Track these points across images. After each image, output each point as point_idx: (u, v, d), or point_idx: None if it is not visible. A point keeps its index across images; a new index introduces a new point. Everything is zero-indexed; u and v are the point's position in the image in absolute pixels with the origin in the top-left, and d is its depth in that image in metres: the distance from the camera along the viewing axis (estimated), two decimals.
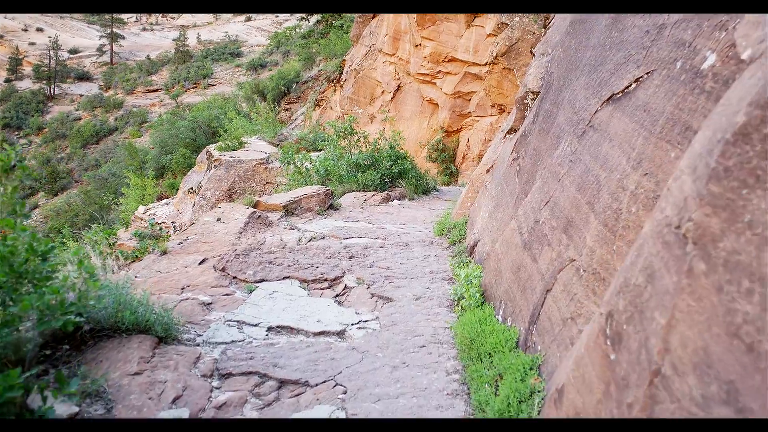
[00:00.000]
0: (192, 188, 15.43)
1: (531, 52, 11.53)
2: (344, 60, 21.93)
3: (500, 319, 3.93)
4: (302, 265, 5.68)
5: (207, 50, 62.32)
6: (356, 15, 20.72)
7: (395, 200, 10.11)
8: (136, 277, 5.62)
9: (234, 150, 15.18)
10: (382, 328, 4.36)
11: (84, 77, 63.38)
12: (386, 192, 10.20)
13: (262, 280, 5.36)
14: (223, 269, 5.54)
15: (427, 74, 15.93)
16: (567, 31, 4.79)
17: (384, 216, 8.66)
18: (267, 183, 13.93)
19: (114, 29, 66.00)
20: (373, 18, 19.05)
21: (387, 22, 17.37)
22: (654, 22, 3.13)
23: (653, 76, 2.94)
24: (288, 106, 32.10)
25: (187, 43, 62.45)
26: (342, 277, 5.47)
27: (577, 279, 3.02)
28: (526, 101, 5.64)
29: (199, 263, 5.84)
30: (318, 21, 39.69)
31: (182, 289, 5.18)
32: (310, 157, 11.49)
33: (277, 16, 68.34)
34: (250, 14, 70.62)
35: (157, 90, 57.16)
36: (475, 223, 5.97)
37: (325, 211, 8.60)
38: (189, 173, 17.16)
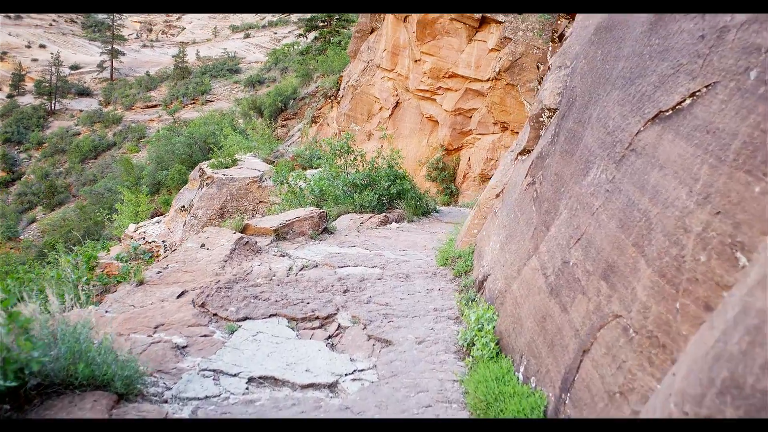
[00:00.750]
0: (184, 206, 14.80)
1: (537, 66, 11.01)
2: (341, 76, 21.44)
3: (521, 377, 3.28)
4: (291, 300, 5.03)
5: (206, 66, 62.14)
6: (354, 30, 20.25)
7: (393, 223, 9.48)
8: (106, 311, 4.97)
9: (227, 167, 14.57)
10: (381, 380, 3.71)
11: (84, 93, 63.17)
12: (384, 214, 9.58)
13: (245, 318, 4.70)
14: (202, 305, 4.89)
15: (427, 90, 15.39)
16: (590, 40, 4.20)
17: (382, 241, 8.03)
18: (260, 202, 13.31)
19: (114, 46, 65.84)
20: (371, 33, 18.58)
21: (386, 36, 16.85)
22: (710, 25, 2.52)
23: (716, 89, 2.32)
24: (285, 123, 31.59)
25: (186, 60, 62.25)
26: (335, 314, 4.82)
27: (625, 341, 2.38)
28: (541, 119, 5.03)
29: (178, 296, 5.19)
30: (316, 38, 39.40)
31: (155, 328, 4.53)
32: (305, 176, 10.88)
33: (275, 33, 68.24)
34: (249, 31, 70.52)
35: (155, 106, 56.89)
36: (483, 253, 5.34)
37: (318, 235, 7.97)
38: (181, 190, 16.54)
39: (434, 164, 15.06)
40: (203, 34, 74.99)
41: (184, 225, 13.75)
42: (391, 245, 7.72)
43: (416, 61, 15.43)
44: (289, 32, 62.75)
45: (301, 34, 42.99)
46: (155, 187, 30.01)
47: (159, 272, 5.90)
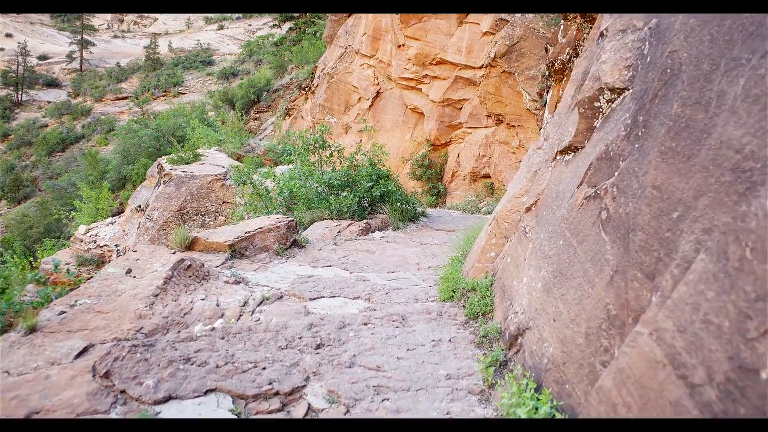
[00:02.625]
0: (140, 206, 12.93)
1: (546, 48, 9.46)
2: (317, 66, 19.61)
3: None
4: (240, 363, 3.37)
5: (178, 58, 59.61)
6: (331, 14, 18.42)
7: (376, 231, 7.85)
8: None
9: (188, 163, 12.73)
10: None
11: (52, 84, 60.00)
12: (365, 221, 7.94)
13: (168, 398, 3.05)
14: (107, 374, 3.21)
15: (412, 79, 13.69)
16: None
17: (364, 257, 6.39)
18: (224, 203, 11.53)
19: (84, 36, 62.61)
20: (349, 16, 16.77)
21: (366, 19, 15.05)
22: None
23: None
24: (257, 115, 29.64)
25: (158, 51, 59.61)
26: (303, 388, 3.18)
27: None
28: (597, 104, 3.44)
29: (76, 356, 3.49)
30: (290, 29, 37.46)
31: (23, 419, 2.88)
32: (274, 174, 9.14)
33: (250, 25, 65.68)
34: (223, 23, 67.77)
35: (126, 98, 54.24)
36: (511, 291, 3.75)
37: (286, 250, 6.29)
38: (139, 188, 14.63)
39: (419, 161, 13.37)
40: (176, 25, 71.89)
41: (138, 228, 11.90)
42: (376, 263, 6.09)
43: (400, 46, 13.70)
44: (264, 24, 60.20)
45: (276, 25, 40.99)
46: (120, 182, 27.96)
47: (62, 312, 4.15)
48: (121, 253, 12.55)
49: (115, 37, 69.68)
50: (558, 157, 3.89)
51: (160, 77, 54.73)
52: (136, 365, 3.28)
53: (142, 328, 3.84)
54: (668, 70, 2.71)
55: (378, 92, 14.91)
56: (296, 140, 8.81)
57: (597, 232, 2.93)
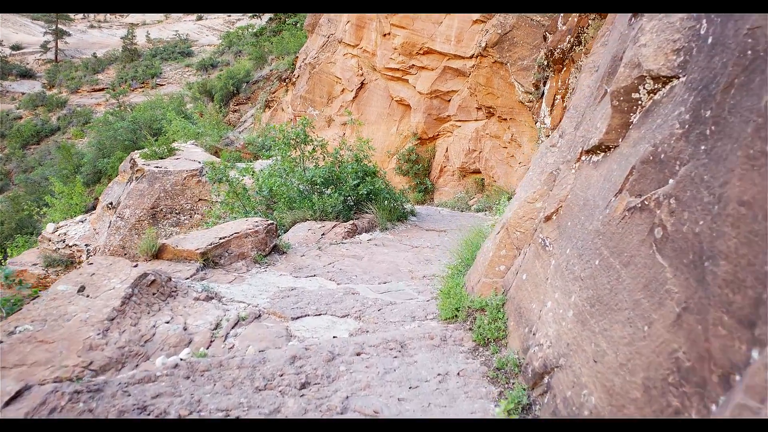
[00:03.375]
0: (111, 203, 12.11)
1: (544, 37, 8.87)
2: (297, 57, 18.80)
3: None
4: (208, 412, 2.72)
5: (156, 49, 58.00)
6: None
7: (363, 233, 7.22)
8: None
9: (162, 158, 11.94)
10: None
11: (26, 75, 57.91)
12: (351, 222, 7.30)
13: None
14: None
15: (398, 69, 13.00)
16: None
17: (352, 263, 5.76)
18: (200, 200, 10.80)
19: (60, 26, 60.54)
20: None
21: None
22: None
23: None
24: (237, 108, 28.67)
25: (136, 42, 57.89)
26: None
27: None
28: (635, 95, 2.84)
29: (8, 402, 2.82)
30: (271, 19, 36.47)
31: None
32: (253, 170, 8.44)
33: (230, 16, 64.14)
34: (202, 13, 66.03)
35: (103, 89, 52.59)
36: (530, 315, 3.16)
37: (266, 257, 5.64)
38: (111, 184, 13.79)
39: (405, 155, 12.72)
40: (154, 16, 69.93)
41: (109, 227, 11.11)
42: (365, 272, 5.47)
43: (385, 35, 12.99)
44: (244, 14, 58.82)
45: (255, 15, 39.90)
46: (96, 176, 26.89)
47: None
48: (92, 253, 11.77)
49: (92, 27, 67.56)
50: (584, 158, 3.30)
51: (138, 68, 53.18)
52: (77, 418, 2.63)
53: (91, 363, 3.18)
54: (748, 53, 2.11)
55: (362, 83, 14.19)
56: (276, 134, 8.12)
57: (649, 254, 2.34)
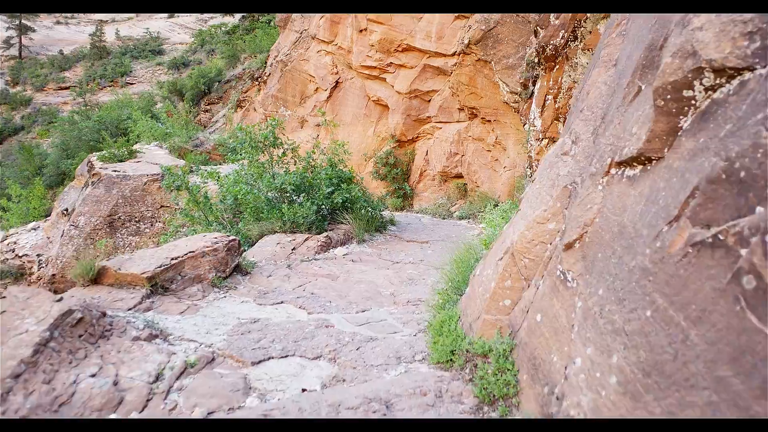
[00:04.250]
0: (66, 209, 11.14)
1: (535, 32, 8.25)
2: (270, 55, 17.93)
3: None
4: None
5: (126, 47, 56.23)
6: None
7: (338, 246, 6.49)
8: None
9: (122, 161, 11.01)
10: None
11: None
12: (325, 234, 6.56)
13: None
14: None
15: (375, 67, 12.25)
16: None
17: (325, 286, 5.03)
18: (162, 206, 9.93)
19: (24, 21, 58.26)
20: None
21: None
22: None
23: None
24: (208, 107, 27.59)
25: (105, 39, 56.03)
26: None
27: None
28: (688, 93, 2.19)
29: None
30: (244, 17, 35.45)
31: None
32: (218, 175, 7.62)
33: (202, 13, 62.54)
34: (177, 13, 64.28)
35: (70, 87, 50.73)
36: (550, 370, 2.48)
37: (226, 279, 4.87)
38: (66, 188, 12.78)
39: (383, 159, 11.97)
40: (124, 13, 67.89)
41: (62, 236, 10.16)
42: (341, 295, 4.74)
43: (362, 30, 12.23)
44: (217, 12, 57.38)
45: (228, 13, 38.82)
46: (59, 178, 25.59)
47: None
48: (44, 265, 10.80)
49: (58, 23, 65.21)
50: (614, 171, 2.62)
51: (107, 66, 51.47)
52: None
53: None
54: None
55: (337, 82, 13.40)
56: (242, 136, 7.33)
57: (734, 311, 1.67)
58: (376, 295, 4.80)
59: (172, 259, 4.58)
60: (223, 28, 45.24)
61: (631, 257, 2.30)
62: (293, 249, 6.05)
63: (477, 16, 9.30)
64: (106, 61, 54.02)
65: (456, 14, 10.20)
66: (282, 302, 4.48)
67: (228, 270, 4.93)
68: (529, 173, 8.00)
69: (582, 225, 2.67)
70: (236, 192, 6.77)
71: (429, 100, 11.46)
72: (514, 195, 9.14)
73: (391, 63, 11.79)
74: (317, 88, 13.97)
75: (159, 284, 4.38)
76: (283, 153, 7.42)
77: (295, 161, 7.48)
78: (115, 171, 10.23)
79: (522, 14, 8.83)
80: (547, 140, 7.24)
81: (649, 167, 2.46)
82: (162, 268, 4.44)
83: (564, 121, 6.81)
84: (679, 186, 2.17)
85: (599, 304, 2.37)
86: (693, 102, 2.31)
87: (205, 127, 26.13)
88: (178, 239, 5.28)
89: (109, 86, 49.29)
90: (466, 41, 9.57)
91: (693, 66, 2.25)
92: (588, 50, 5.82)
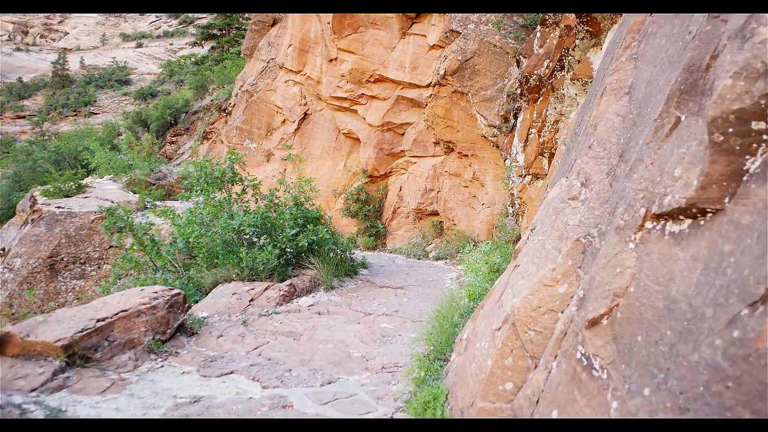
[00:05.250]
0: (3, 249, 10.16)
1: (517, 61, 7.81)
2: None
3: None
4: None
5: (91, 76, 55.10)
6: (252, 21, 16.17)
7: (303, 296, 5.79)
8: None
9: (68, 196, 10.15)
10: None
11: None
12: (288, 282, 5.85)
13: None
14: None
15: (346, 98, 11.71)
16: None
17: (286, 347, 4.31)
18: (111, 247, 9.07)
19: None
20: (273, 25, 14.59)
21: (292, 29, 12.91)
22: None
23: None
24: (174, 139, 26.72)
25: (68, 67, 54.84)
26: None
27: None
28: (758, 125, 1.65)
29: None
30: (213, 47, 35.00)
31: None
32: (173, 212, 6.85)
33: (171, 44, 61.84)
34: (142, 40, 63.50)
35: (29, 116, 49.18)
36: None
37: (167, 342, 4.12)
38: (6, 225, 11.78)
39: (354, 195, 11.32)
40: (90, 41, 66.72)
41: None
42: (303, 360, 4.02)
43: (332, 60, 11.72)
44: (186, 44, 56.76)
45: (197, 43, 38.37)
46: (10, 211, 24.25)
47: None
48: None
49: (18, 49, 63.63)
50: (650, 226, 2.04)
51: (70, 95, 50.19)
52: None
53: None
54: None
55: (306, 114, 12.81)
56: (196, 172, 6.63)
57: None
58: (345, 359, 4.10)
59: (99, 320, 3.82)
60: (192, 59, 44.66)
61: (690, 347, 1.70)
62: (251, 300, 5.32)
63: (453, 46, 8.87)
64: (69, 90, 52.84)
65: (431, 44, 9.77)
66: (232, 372, 3.75)
67: (169, 331, 4.18)
68: (510, 211, 7.47)
69: (610, 295, 2.07)
70: (188, 234, 6.03)
71: (403, 134, 10.95)
72: (493, 234, 8.60)
73: (362, 94, 11.28)
74: (284, 119, 13.37)
75: (79, 353, 3.60)
76: (243, 190, 6.74)
77: (257, 199, 6.80)
78: (59, 207, 9.36)
79: (500, 45, 8.44)
80: (530, 176, 6.74)
81: (702, 222, 1.88)
82: (84, 333, 3.67)
83: (549, 157, 6.33)
84: (756, 251, 1.60)
85: (646, 408, 1.76)
86: (764, 137, 1.76)
87: (170, 159, 25.26)
88: (109, 295, 4.50)
89: (72, 116, 48.03)
90: (441, 72, 9.12)
91: (765, 90, 1.70)
92: (577, 80, 5.38)
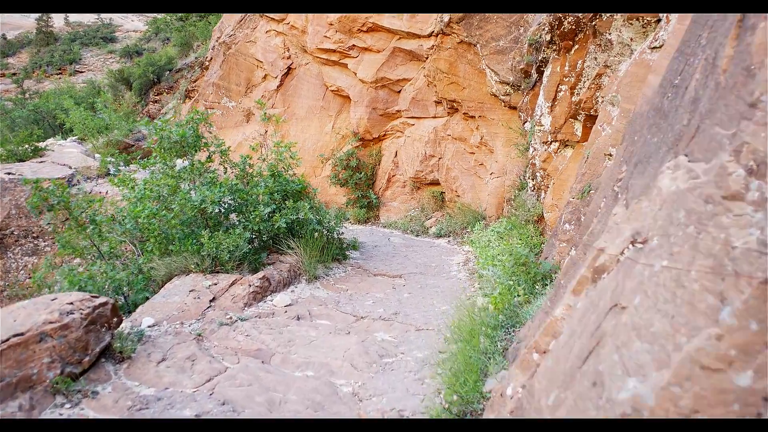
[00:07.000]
0: None
1: None
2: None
3: None
4: None
5: (76, 33, 52.61)
6: None
7: (280, 290, 4.58)
8: None
9: (22, 160, 8.77)
10: None
11: None
12: (262, 273, 4.61)
13: None
14: None
15: (334, 51, 10.23)
16: None
17: (250, 379, 3.10)
18: (67, 219, 7.76)
19: None
20: None
21: None
22: None
23: None
24: (158, 98, 25.01)
25: (52, 24, 52.35)
26: None
27: None
28: None
29: None
30: None
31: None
32: (133, 182, 5.54)
33: None
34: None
35: (14, 74, 46.95)
36: None
37: (84, 374, 2.90)
38: None
39: (343, 161, 9.95)
40: None
41: None
42: (271, 405, 2.83)
43: None
44: None
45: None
46: None
47: None
48: None
49: None
50: None
51: (54, 53, 47.94)
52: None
53: None
54: None
55: (289, 68, 11.30)
56: (150, 134, 5.32)
57: None
58: (329, 399, 2.91)
59: None
60: (177, 15, 42.31)
61: None
62: (212, 300, 4.10)
63: None
64: (53, 48, 50.60)
65: None
66: (172, 405, 2.56)
67: (88, 359, 2.96)
68: (531, 185, 6.22)
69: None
70: (137, 212, 4.75)
71: (399, 91, 9.55)
72: (504, 208, 7.36)
73: (353, 45, 9.81)
74: (266, 75, 11.86)
75: None
76: (208, 158, 5.43)
77: (226, 168, 5.51)
78: (9, 174, 7.99)
79: None
80: (557, 143, 5.49)
81: None
82: None
83: (585, 120, 5.06)
84: None
85: None
86: None
87: (153, 119, 23.71)
88: (6, 308, 3.25)
89: (57, 74, 46.11)
90: (446, 19, 7.71)
91: None
92: (636, 20, 4.09)
